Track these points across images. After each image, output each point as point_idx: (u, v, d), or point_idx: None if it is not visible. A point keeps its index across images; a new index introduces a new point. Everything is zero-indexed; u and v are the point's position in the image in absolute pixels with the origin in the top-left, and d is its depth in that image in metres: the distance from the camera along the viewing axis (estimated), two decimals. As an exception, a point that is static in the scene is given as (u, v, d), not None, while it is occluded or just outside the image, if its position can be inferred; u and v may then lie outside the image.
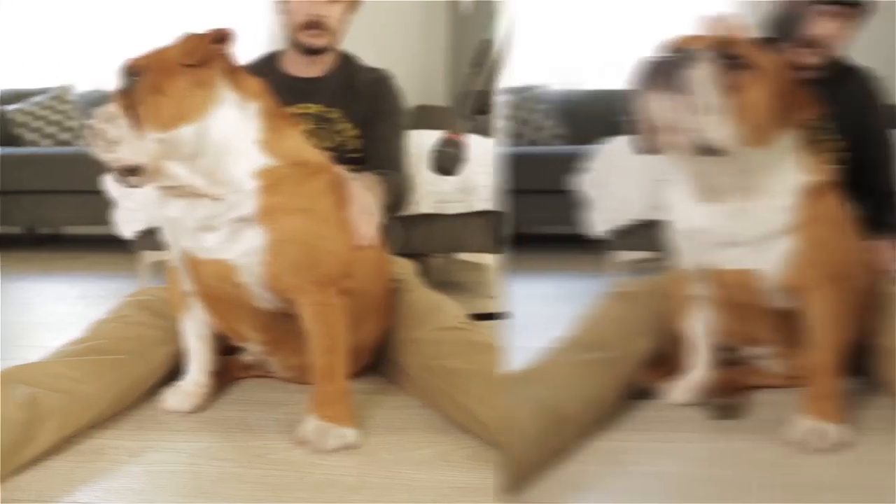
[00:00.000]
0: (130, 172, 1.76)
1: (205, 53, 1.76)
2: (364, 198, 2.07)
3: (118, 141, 1.73)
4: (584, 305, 2.26)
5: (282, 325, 1.97)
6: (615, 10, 5.37)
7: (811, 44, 2.31)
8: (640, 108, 1.73)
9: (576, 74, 5.61)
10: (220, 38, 1.78)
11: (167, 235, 1.94)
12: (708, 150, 1.70)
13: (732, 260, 1.86)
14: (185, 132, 1.74)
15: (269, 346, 2.07)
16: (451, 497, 1.59)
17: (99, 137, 1.74)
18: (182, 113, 1.73)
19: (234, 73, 1.82)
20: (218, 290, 1.91)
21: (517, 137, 5.09)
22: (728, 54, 1.70)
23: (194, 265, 1.90)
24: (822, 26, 2.29)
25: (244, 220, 1.80)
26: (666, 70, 1.69)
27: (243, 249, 1.82)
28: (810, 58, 2.34)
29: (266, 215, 1.80)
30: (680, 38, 1.76)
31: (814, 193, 1.83)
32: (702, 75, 1.67)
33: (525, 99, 5.18)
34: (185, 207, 1.82)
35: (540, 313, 3.18)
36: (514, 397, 1.75)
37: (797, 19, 1.78)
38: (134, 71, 1.75)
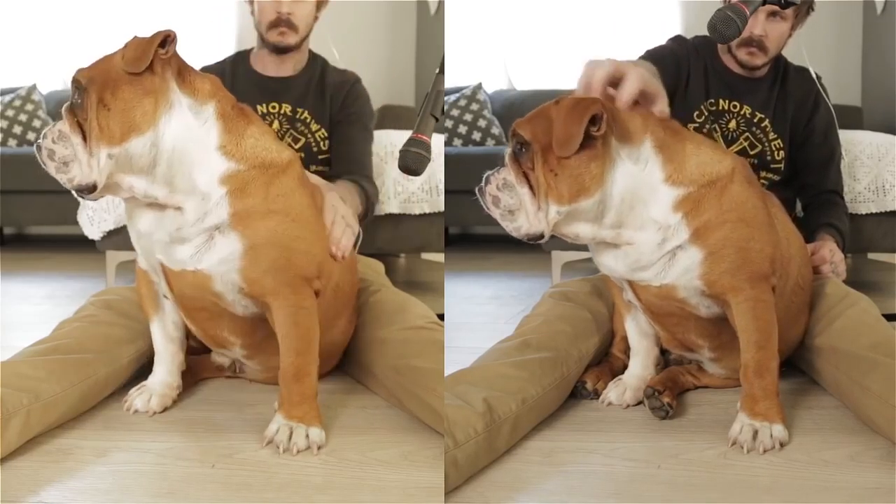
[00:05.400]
0: (88, 189, 1.70)
1: (149, 60, 1.68)
2: (342, 208, 2.06)
3: (70, 160, 1.69)
4: (527, 306, 2.27)
5: (262, 328, 1.95)
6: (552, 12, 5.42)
7: (752, 44, 2.35)
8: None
9: (511, 74, 5.64)
10: (164, 41, 1.70)
11: (138, 249, 1.90)
12: (532, 237, 1.74)
13: (646, 279, 1.83)
14: (137, 144, 1.68)
15: (250, 349, 2.05)
16: (418, 497, 1.60)
17: (49, 158, 1.70)
18: (131, 125, 1.66)
19: (184, 75, 1.75)
20: (196, 299, 1.88)
21: (458, 137, 5.10)
22: (518, 141, 1.73)
23: (170, 276, 1.85)
24: (762, 26, 2.33)
25: (217, 229, 1.76)
26: (481, 191, 1.76)
27: (218, 258, 1.78)
28: (752, 58, 2.37)
29: (238, 221, 1.75)
30: None
31: (696, 201, 1.74)
32: (494, 188, 1.73)
33: (466, 98, 5.19)
34: (154, 221, 1.78)
35: (479, 313, 3.21)
36: (456, 397, 1.76)
37: (737, 20, 1.79)
38: (79, 85, 1.69)
